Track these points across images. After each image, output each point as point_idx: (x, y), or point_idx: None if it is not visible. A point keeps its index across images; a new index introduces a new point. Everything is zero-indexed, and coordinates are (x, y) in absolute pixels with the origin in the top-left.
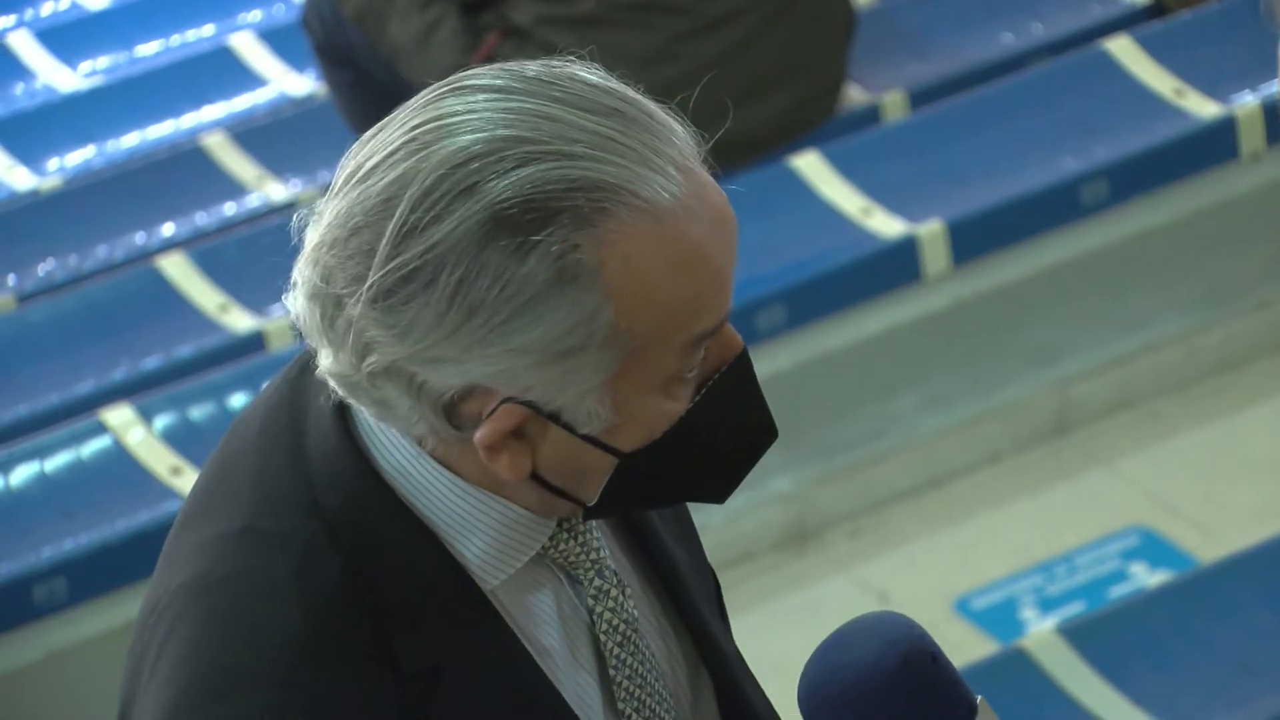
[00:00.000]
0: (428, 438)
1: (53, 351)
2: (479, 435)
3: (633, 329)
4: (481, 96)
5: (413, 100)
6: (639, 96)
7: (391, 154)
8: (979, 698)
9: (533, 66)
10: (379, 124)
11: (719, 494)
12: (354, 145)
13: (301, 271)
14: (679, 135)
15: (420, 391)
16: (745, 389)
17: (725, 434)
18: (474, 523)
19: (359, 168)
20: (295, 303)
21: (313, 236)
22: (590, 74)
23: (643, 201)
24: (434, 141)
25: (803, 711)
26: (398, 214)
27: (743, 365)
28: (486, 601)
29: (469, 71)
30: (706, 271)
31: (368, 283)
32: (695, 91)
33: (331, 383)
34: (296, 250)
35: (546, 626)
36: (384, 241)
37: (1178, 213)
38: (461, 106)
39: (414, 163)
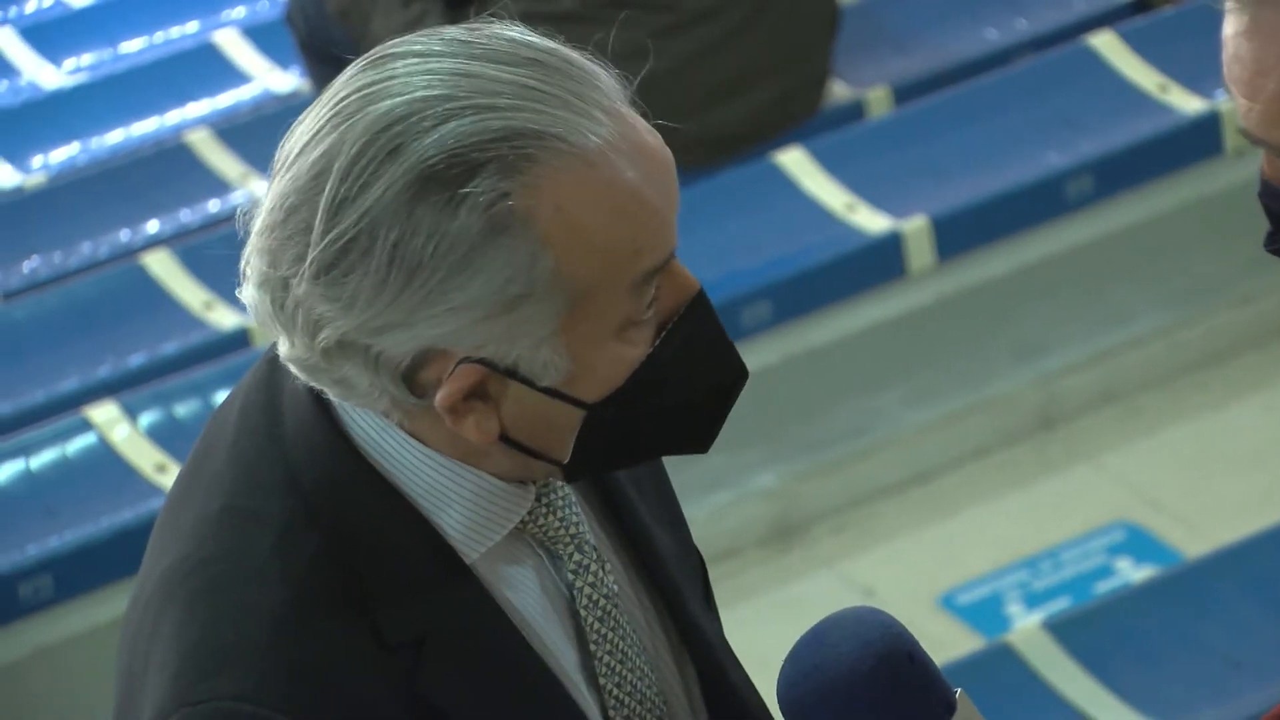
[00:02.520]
0: (393, 411)
1: (37, 349)
2: (439, 398)
3: (574, 274)
4: (401, 63)
5: (338, 77)
6: (559, 46)
7: (318, 131)
8: (958, 691)
9: (452, 29)
10: (308, 108)
11: (699, 443)
12: (286, 132)
13: (249, 262)
14: (603, 79)
15: (377, 363)
16: (706, 329)
17: (692, 377)
18: (450, 495)
19: (290, 150)
20: (247, 294)
21: (255, 225)
22: (510, 30)
23: (570, 146)
24: (356, 111)
25: (781, 708)
26: (328, 187)
27: (700, 306)
28: (468, 573)
29: (390, 41)
30: (643, 211)
31: (308, 259)
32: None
33: (293, 368)
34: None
35: (528, 599)
36: (318, 216)
37: (1162, 208)
38: (382, 75)
39: (339, 135)
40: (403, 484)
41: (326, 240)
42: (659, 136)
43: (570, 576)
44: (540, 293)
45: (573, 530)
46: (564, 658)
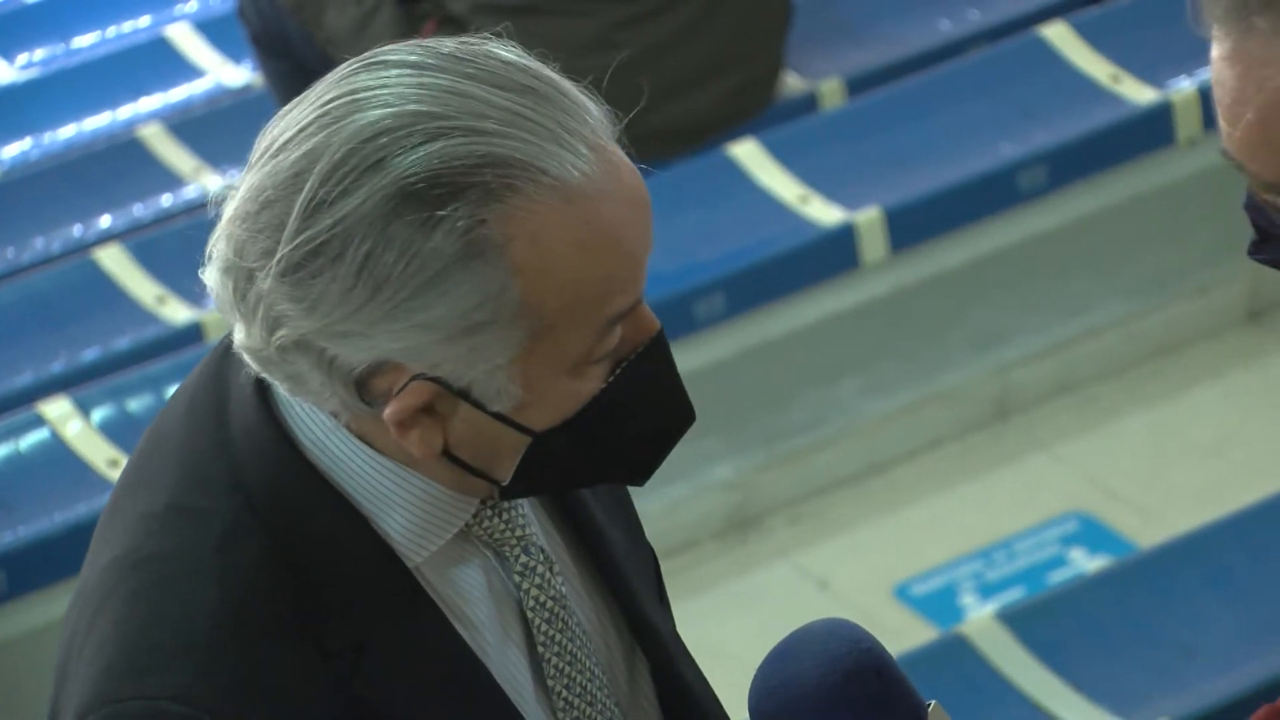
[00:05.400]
0: (341, 413)
1: None
2: (388, 412)
3: (541, 306)
4: (394, 72)
5: (328, 75)
6: (554, 75)
7: (303, 129)
8: (931, 703)
9: (449, 43)
10: (295, 99)
11: (637, 476)
12: (270, 121)
13: (216, 245)
14: (592, 114)
15: (331, 366)
16: (661, 371)
17: (641, 416)
18: (394, 498)
19: (273, 142)
20: (210, 276)
21: (228, 211)
22: (506, 51)
23: (552, 179)
24: (344, 116)
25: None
26: (306, 188)
27: (658, 347)
28: (411, 577)
29: (386, 47)
30: (618, 252)
31: (277, 256)
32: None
33: (245, 357)
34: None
35: (476, 602)
36: (293, 215)
37: (1116, 198)
38: (374, 81)
39: (324, 137)
40: (346, 486)
41: (298, 241)
42: (639, 177)
43: (517, 578)
44: (504, 321)
45: (519, 533)
46: (512, 660)
